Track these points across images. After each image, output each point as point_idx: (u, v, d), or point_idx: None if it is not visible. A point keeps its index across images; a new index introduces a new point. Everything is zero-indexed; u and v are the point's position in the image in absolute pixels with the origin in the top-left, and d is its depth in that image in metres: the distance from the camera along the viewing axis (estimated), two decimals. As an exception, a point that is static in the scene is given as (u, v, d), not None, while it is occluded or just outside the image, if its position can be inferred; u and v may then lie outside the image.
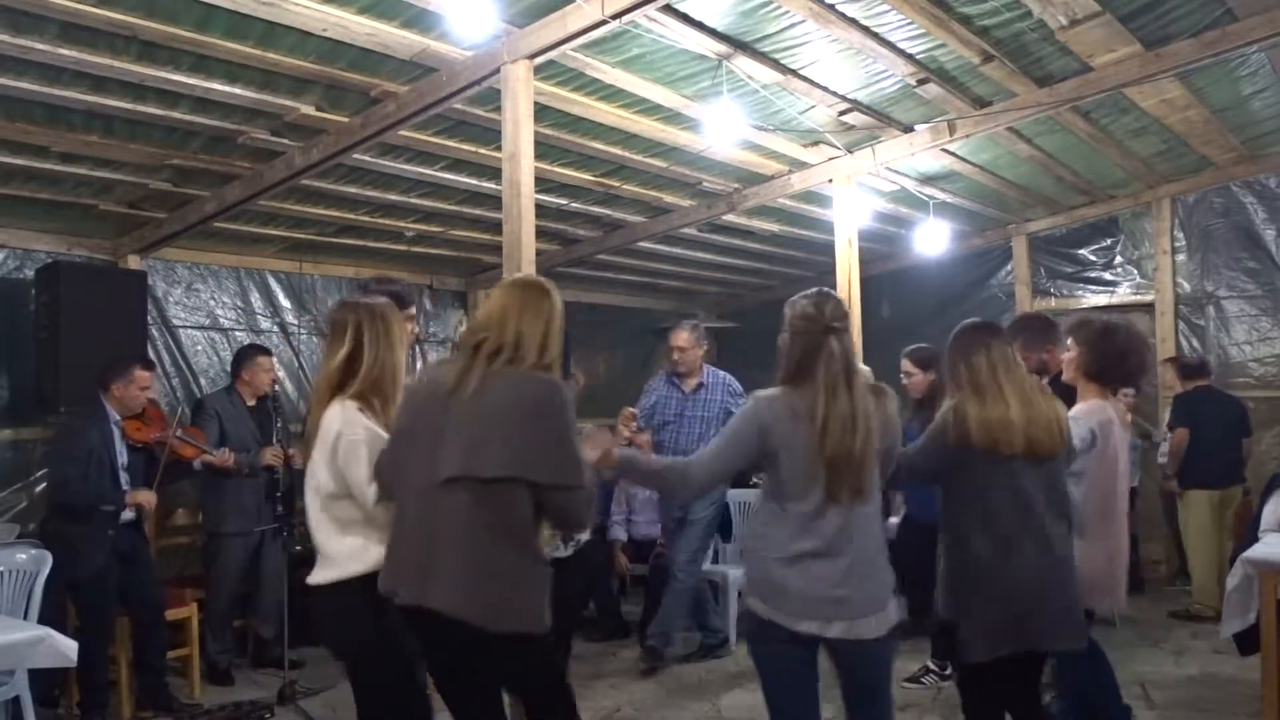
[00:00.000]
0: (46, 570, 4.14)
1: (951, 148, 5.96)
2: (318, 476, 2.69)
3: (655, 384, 5.58)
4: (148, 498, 4.57)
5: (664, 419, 5.38)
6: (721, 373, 5.54)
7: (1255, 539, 4.40)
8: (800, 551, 2.48)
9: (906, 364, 4.92)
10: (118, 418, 4.61)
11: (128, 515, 4.56)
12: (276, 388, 5.47)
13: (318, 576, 2.68)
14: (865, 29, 4.29)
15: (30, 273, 5.42)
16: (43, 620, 3.86)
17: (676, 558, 5.34)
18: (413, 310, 3.20)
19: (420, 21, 3.80)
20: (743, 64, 4.46)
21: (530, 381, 2.43)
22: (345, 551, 2.65)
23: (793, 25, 4.23)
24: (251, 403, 5.35)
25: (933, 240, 7.11)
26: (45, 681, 4.39)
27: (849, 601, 2.48)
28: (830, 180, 6.13)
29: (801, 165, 6.14)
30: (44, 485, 5.40)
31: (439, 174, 5.53)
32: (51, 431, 5.36)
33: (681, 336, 5.38)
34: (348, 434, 2.63)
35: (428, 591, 2.34)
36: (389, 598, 2.43)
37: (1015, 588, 2.75)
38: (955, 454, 2.80)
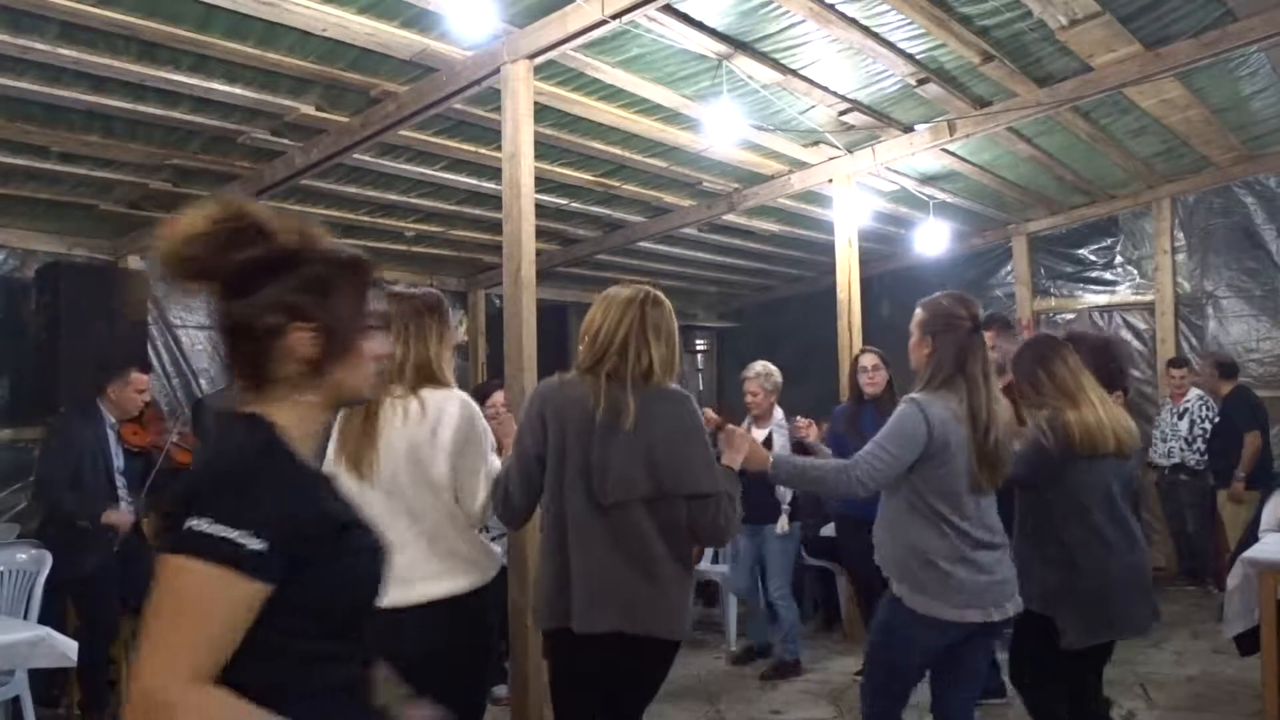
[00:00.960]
0: (46, 570, 4.14)
1: (951, 148, 5.96)
2: (432, 468, 2.40)
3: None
4: (121, 518, 4.43)
5: None
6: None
7: (1255, 539, 4.40)
8: (977, 542, 2.63)
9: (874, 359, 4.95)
10: (113, 421, 4.59)
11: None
12: None
13: (431, 590, 2.35)
14: (865, 29, 4.29)
15: (30, 273, 5.42)
16: (43, 620, 3.86)
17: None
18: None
19: (420, 21, 3.80)
20: (743, 64, 4.46)
21: (670, 399, 2.49)
22: (469, 556, 2.45)
23: (793, 25, 4.23)
24: None
25: (933, 240, 7.11)
26: (45, 681, 4.39)
27: (1009, 583, 2.67)
28: (830, 180, 6.13)
29: (801, 165, 6.14)
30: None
31: (439, 174, 5.53)
32: (45, 431, 5.37)
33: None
34: (478, 425, 2.47)
35: (600, 616, 2.37)
36: (544, 627, 2.46)
37: (1112, 579, 2.92)
38: (1057, 459, 2.91)
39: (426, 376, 2.47)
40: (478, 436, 2.46)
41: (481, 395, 5.00)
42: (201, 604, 1.10)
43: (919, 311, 2.80)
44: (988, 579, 2.61)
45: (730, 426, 2.75)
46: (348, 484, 2.30)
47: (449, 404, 2.43)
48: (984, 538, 2.64)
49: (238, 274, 1.23)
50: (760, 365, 5.15)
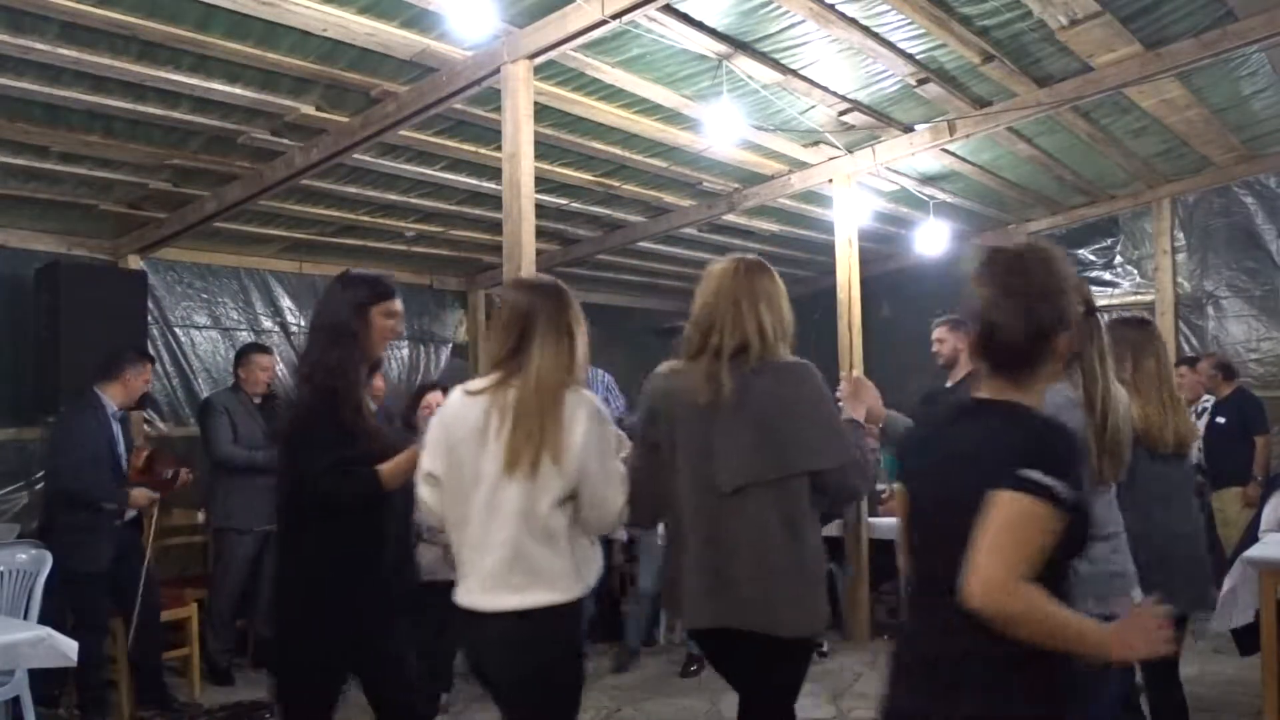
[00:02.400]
0: (46, 570, 4.13)
1: (951, 148, 5.96)
2: (545, 478, 2.20)
3: None
4: (146, 498, 4.54)
5: None
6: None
7: (1255, 539, 4.40)
8: (1107, 534, 2.51)
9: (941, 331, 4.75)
10: (115, 409, 4.57)
11: (132, 513, 4.58)
12: (273, 386, 5.49)
13: (524, 599, 2.19)
14: (865, 29, 4.29)
15: (30, 273, 5.41)
16: (43, 620, 3.86)
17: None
18: (394, 305, 2.79)
19: (420, 21, 3.80)
20: (743, 64, 4.46)
21: (791, 373, 2.37)
22: (560, 569, 2.22)
23: (793, 25, 4.22)
24: (258, 401, 5.36)
25: (933, 240, 7.11)
26: (45, 681, 4.38)
27: (1124, 577, 2.56)
28: (830, 180, 6.13)
29: (801, 165, 6.14)
30: (43, 484, 5.41)
31: (439, 174, 5.53)
32: (45, 431, 5.38)
33: None
34: (609, 428, 2.30)
35: (724, 610, 2.29)
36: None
37: (1185, 561, 3.11)
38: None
39: (559, 375, 2.29)
40: (611, 441, 2.31)
41: (417, 396, 5.15)
42: (1030, 527, 1.53)
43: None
44: (1097, 570, 2.43)
45: (857, 375, 2.66)
46: (493, 473, 2.20)
47: (579, 408, 2.23)
48: (1115, 529, 2.56)
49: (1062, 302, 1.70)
50: None
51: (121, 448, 4.59)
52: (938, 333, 4.65)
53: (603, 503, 2.24)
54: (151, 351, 5.79)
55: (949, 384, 4.54)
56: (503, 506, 2.19)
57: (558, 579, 2.20)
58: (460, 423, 2.26)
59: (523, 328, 2.26)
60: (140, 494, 4.52)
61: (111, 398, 4.54)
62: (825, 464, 2.31)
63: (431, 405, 4.14)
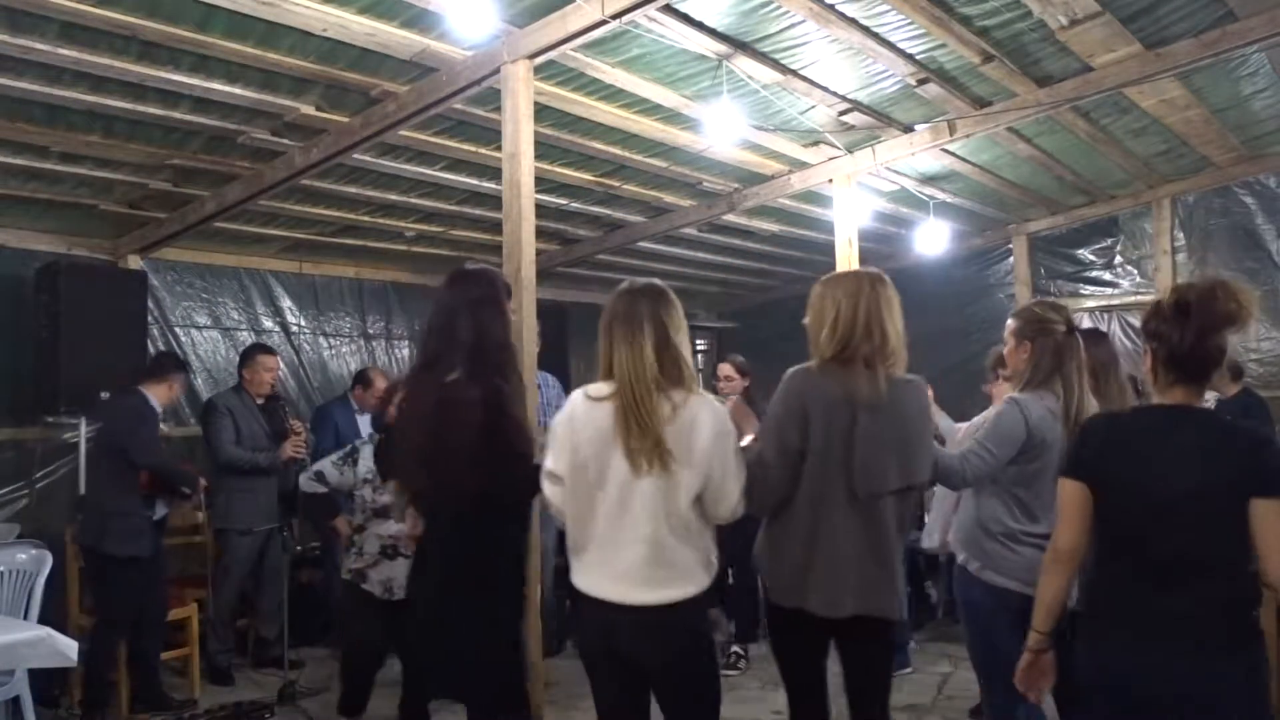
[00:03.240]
0: (46, 570, 4.14)
1: (951, 148, 5.96)
2: (677, 477, 2.35)
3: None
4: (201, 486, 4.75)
5: None
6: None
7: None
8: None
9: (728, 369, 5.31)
10: (159, 410, 4.65)
11: (161, 512, 4.65)
12: (275, 387, 5.50)
13: (666, 593, 2.35)
14: (865, 29, 4.29)
15: (30, 273, 5.42)
16: (43, 620, 3.87)
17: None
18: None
19: (420, 21, 3.80)
20: (743, 64, 4.46)
21: (910, 386, 2.59)
22: (694, 561, 2.40)
23: (793, 25, 4.22)
24: (260, 401, 5.37)
25: (933, 240, 7.11)
26: (45, 681, 4.39)
27: None
28: (830, 180, 6.13)
29: (801, 165, 6.14)
30: (47, 483, 5.44)
31: (439, 174, 5.53)
32: (48, 431, 5.40)
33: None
34: (730, 427, 2.46)
35: (861, 600, 2.49)
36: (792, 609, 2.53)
37: None
38: None
39: (674, 379, 2.40)
40: (733, 441, 2.45)
41: (363, 378, 5.69)
42: None
43: (1012, 321, 3.01)
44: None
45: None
46: (622, 473, 2.33)
47: (701, 410, 2.38)
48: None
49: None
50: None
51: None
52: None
53: (726, 496, 2.40)
54: (152, 352, 5.82)
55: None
56: (635, 505, 2.33)
57: (693, 571, 2.39)
58: (587, 426, 2.38)
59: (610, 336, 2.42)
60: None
61: (156, 398, 4.61)
62: (925, 478, 2.63)
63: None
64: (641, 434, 2.30)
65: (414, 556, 2.94)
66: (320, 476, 3.92)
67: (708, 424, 2.36)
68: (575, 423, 2.41)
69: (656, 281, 2.57)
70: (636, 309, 2.44)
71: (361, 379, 5.95)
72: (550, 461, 2.45)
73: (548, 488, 2.49)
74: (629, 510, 2.34)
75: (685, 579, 2.38)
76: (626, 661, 2.41)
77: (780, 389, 2.56)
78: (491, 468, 2.57)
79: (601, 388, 2.41)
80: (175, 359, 4.96)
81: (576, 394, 2.47)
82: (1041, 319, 2.92)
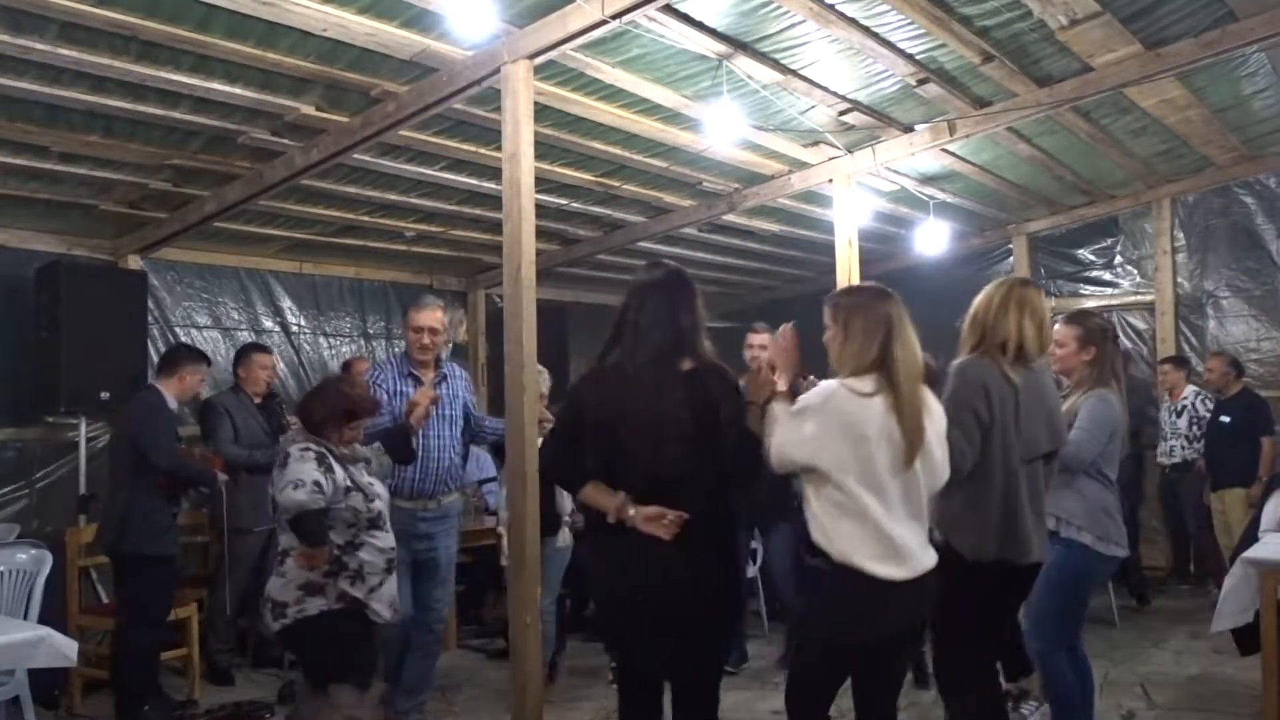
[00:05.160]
0: (46, 570, 4.14)
1: (951, 148, 5.96)
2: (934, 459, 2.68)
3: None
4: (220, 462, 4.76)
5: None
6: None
7: (1255, 539, 4.41)
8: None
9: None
10: (174, 406, 4.65)
11: (183, 508, 4.74)
12: (272, 385, 5.49)
13: (927, 562, 2.65)
14: (865, 29, 4.29)
15: (30, 273, 5.42)
16: (43, 620, 3.87)
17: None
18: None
19: (420, 21, 3.80)
20: (743, 64, 4.46)
21: (1046, 367, 3.23)
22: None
23: (793, 25, 4.22)
24: (258, 400, 5.36)
25: (933, 240, 7.11)
26: (45, 681, 4.39)
27: None
28: (830, 180, 6.13)
29: (801, 165, 6.14)
30: (47, 483, 5.44)
31: (439, 174, 5.53)
32: (48, 431, 5.39)
33: (435, 316, 4.24)
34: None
35: (1038, 548, 3.02)
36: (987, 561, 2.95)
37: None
38: None
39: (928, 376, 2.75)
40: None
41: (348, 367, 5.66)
42: None
43: (1075, 328, 3.53)
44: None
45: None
46: (902, 462, 2.56)
47: (930, 400, 2.71)
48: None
49: None
50: None
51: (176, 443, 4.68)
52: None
53: (943, 471, 2.72)
54: (152, 352, 5.82)
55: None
56: (912, 490, 2.61)
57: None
58: (862, 421, 2.54)
59: (885, 333, 2.60)
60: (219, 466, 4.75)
61: (170, 393, 4.59)
62: (1064, 444, 3.21)
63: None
64: (916, 427, 2.55)
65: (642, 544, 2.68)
66: (320, 487, 3.27)
67: (938, 409, 2.72)
68: (850, 419, 2.54)
69: (875, 285, 2.84)
70: (897, 310, 2.68)
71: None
72: (808, 454, 2.56)
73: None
74: (910, 496, 2.60)
75: (929, 550, 2.70)
76: (916, 630, 2.75)
77: (959, 377, 3.00)
78: (740, 449, 2.70)
79: (865, 384, 2.57)
80: (186, 351, 4.88)
81: (837, 387, 2.59)
82: (1104, 329, 3.55)
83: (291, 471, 3.28)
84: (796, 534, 5.17)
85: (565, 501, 4.67)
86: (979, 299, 3.11)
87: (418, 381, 4.13)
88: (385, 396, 3.99)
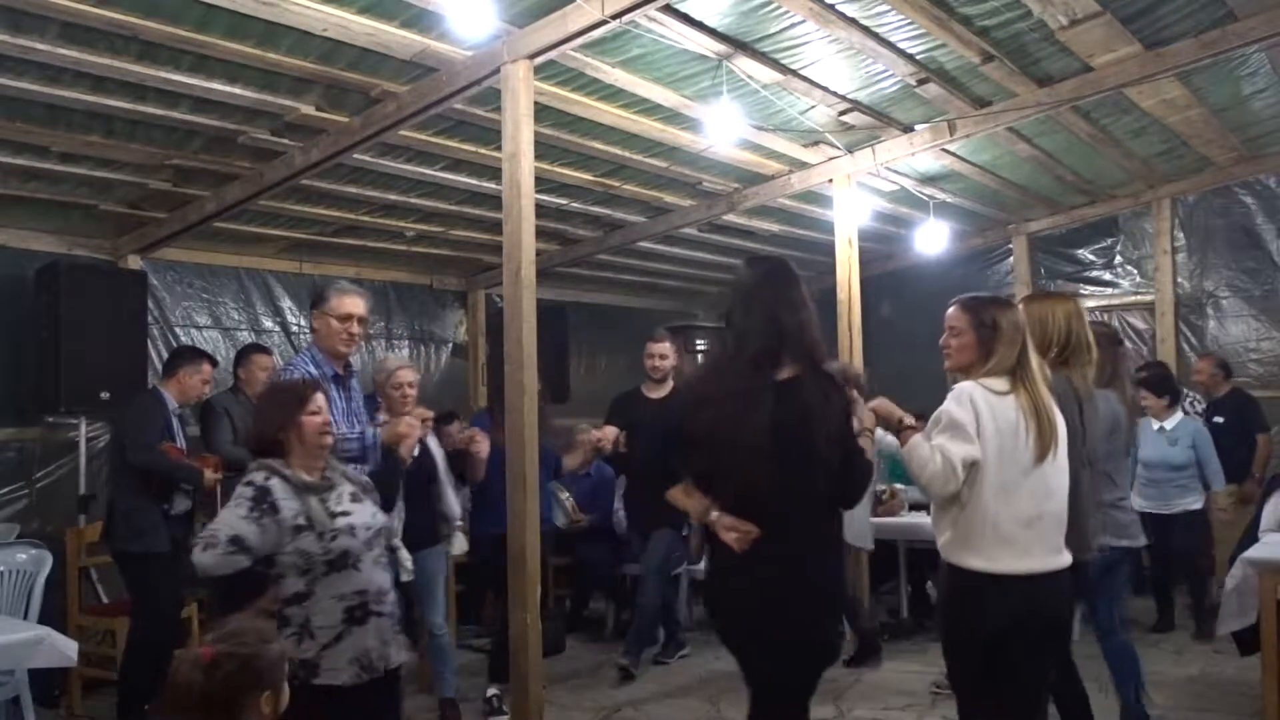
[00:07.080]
0: (46, 570, 4.14)
1: (951, 148, 5.96)
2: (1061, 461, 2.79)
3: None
4: (212, 479, 4.65)
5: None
6: None
7: (1255, 539, 4.41)
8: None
9: None
10: (175, 406, 4.64)
11: (183, 507, 4.62)
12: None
13: (1067, 558, 2.75)
14: (865, 29, 4.29)
15: (30, 273, 5.41)
16: (43, 620, 3.87)
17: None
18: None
19: (420, 21, 3.80)
20: (743, 64, 4.46)
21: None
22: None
23: (793, 25, 4.23)
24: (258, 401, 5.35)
25: (933, 240, 7.11)
26: (45, 681, 4.38)
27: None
28: (830, 180, 6.13)
29: (801, 165, 6.14)
30: (47, 483, 5.43)
31: (439, 174, 5.53)
32: (48, 431, 5.39)
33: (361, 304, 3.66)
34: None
35: (1090, 545, 3.17)
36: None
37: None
38: None
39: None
40: None
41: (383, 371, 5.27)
42: None
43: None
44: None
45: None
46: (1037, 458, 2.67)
47: (1054, 400, 2.80)
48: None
49: None
50: None
51: (181, 442, 4.65)
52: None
53: (1066, 471, 2.81)
54: (152, 352, 5.82)
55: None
56: (1047, 486, 2.69)
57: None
58: (1002, 418, 2.66)
59: (1023, 340, 2.76)
60: (209, 478, 4.61)
61: (170, 394, 4.61)
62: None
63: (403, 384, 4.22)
64: (1049, 424, 2.68)
65: (728, 564, 2.67)
66: (239, 543, 2.55)
67: (1059, 417, 2.77)
68: (992, 416, 2.65)
69: (1002, 297, 3.03)
70: (1021, 322, 2.80)
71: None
72: (965, 450, 2.63)
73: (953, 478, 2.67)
74: (1043, 491, 2.68)
75: (1059, 548, 2.75)
76: (1049, 624, 2.74)
77: (1060, 390, 3.07)
78: (847, 468, 2.70)
79: (1001, 384, 2.69)
80: (187, 351, 4.88)
81: (975, 388, 2.69)
82: (1114, 334, 3.84)
83: (217, 520, 2.69)
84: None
85: (455, 507, 4.53)
86: (1042, 315, 3.22)
87: (343, 384, 3.52)
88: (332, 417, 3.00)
